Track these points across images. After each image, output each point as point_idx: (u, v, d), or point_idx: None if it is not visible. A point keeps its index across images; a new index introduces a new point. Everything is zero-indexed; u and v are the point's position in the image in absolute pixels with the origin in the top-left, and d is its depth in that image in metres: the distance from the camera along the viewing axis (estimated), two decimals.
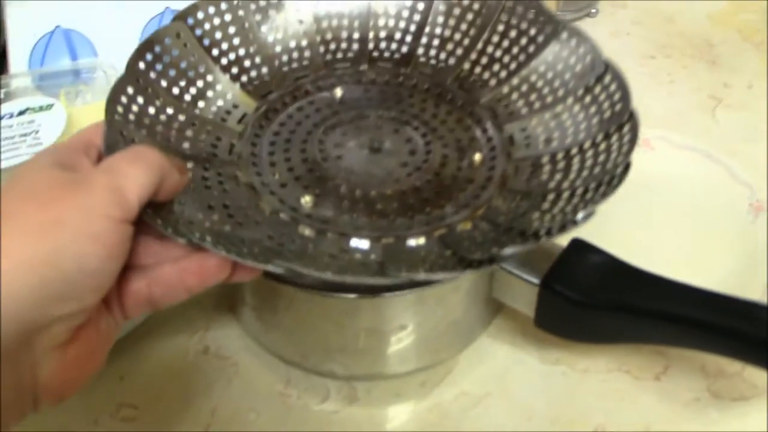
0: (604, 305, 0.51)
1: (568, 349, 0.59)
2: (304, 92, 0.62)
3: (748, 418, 0.55)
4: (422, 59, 0.65)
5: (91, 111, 0.68)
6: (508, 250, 0.45)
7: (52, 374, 0.39)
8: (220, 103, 0.60)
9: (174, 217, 0.45)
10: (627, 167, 0.49)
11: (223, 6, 0.61)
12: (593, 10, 0.97)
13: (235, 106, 0.60)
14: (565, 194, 0.50)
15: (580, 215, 0.45)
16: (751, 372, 0.56)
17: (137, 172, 0.41)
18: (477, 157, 0.56)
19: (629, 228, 0.65)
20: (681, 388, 0.57)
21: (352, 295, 0.51)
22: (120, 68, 0.55)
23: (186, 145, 0.55)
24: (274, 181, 0.54)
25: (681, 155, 0.71)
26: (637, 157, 0.49)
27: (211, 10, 0.61)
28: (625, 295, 0.51)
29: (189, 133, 0.56)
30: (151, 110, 0.54)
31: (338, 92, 0.62)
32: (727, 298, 0.49)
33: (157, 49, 0.57)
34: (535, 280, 0.52)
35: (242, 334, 0.61)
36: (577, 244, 0.54)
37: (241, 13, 0.62)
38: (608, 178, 0.49)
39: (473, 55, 0.64)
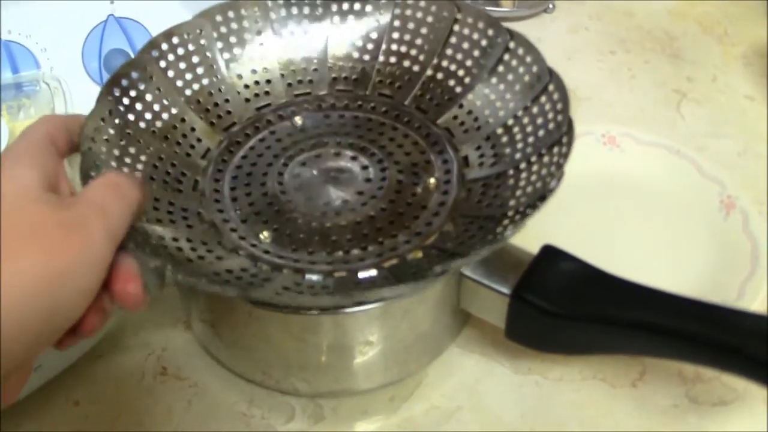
0: (579, 315, 0.49)
1: (541, 358, 0.58)
2: (266, 122, 0.64)
3: (728, 424, 0.54)
4: (380, 79, 0.67)
5: None
6: (438, 268, 0.46)
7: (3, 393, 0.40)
8: (185, 137, 0.61)
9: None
10: (560, 179, 0.50)
11: (186, 36, 0.63)
12: (550, 6, 0.96)
13: (199, 140, 0.61)
14: (510, 212, 0.53)
15: (508, 231, 0.48)
16: (730, 376, 0.55)
17: (123, 212, 0.42)
18: (431, 181, 0.58)
19: (599, 229, 0.65)
20: (658, 395, 0.56)
21: (314, 312, 0.50)
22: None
23: (153, 177, 0.57)
24: (235, 217, 0.56)
25: (648, 152, 0.70)
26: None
27: (175, 40, 0.62)
28: (599, 305, 0.49)
29: (156, 166, 0.57)
30: (122, 143, 0.56)
31: (298, 120, 0.64)
32: (705, 306, 0.48)
33: (124, 82, 0.59)
34: (506, 291, 0.51)
35: (201, 353, 0.60)
36: (549, 251, 0.52)
37: (203, 42, 0.64)
38: (543, 192, 0.51)
39: (429, 71, 0.65)
